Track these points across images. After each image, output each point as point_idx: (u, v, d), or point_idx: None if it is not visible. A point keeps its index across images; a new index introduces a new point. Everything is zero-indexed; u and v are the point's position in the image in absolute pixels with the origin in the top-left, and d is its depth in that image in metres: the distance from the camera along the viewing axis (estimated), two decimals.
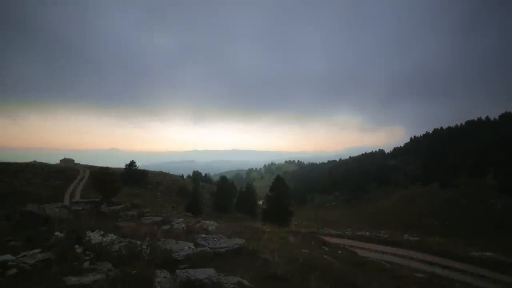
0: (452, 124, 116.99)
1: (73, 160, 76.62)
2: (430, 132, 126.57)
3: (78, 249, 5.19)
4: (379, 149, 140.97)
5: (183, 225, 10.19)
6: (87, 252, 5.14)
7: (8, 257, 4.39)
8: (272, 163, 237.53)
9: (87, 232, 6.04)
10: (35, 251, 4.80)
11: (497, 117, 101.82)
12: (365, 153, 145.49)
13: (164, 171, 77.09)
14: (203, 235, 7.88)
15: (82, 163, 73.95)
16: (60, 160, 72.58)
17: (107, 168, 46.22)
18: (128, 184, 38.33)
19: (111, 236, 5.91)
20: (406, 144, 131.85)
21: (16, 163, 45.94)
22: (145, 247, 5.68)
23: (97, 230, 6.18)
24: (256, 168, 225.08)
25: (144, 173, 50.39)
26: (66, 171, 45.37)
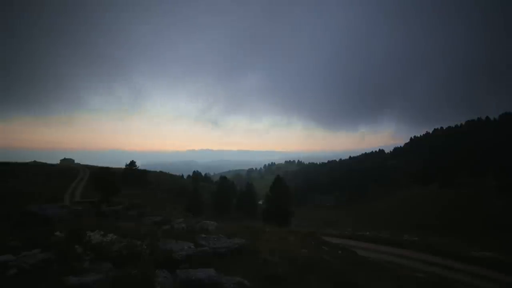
0: (452, 124, 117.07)
1: (73, 160, 76.69)
2: (430, 132, 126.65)
3: (78, 249, 5.19)
4: (379, 149, 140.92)
5: (183, 225, 10.20)
6: (87, 252, 5.14)
7: (8, 257, 4.40)
8: (272, 163, 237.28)
9: (87, 232, 6.04)
10: (35, 251, 4.80)
11: (497, 117, 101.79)
12: (365, 153, 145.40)
13: (164, 171, 77.12)
14: (203, 235, 7.88)
15: (82, 163, 73.97)
16: (60, 160, 72.63)
17: (107, 168, 46.14)
18: (128, 184, 38.34)
19: (111, 236, 5.91)
20: (406, 144, 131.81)
21: (16, 163, 45.95)
22: (145, 247, 5.69)
23: (97, 230, 6.19)
24: (256, 168, 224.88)
25: (144, 173, 50.40)
26: (66, 171, 45.40)
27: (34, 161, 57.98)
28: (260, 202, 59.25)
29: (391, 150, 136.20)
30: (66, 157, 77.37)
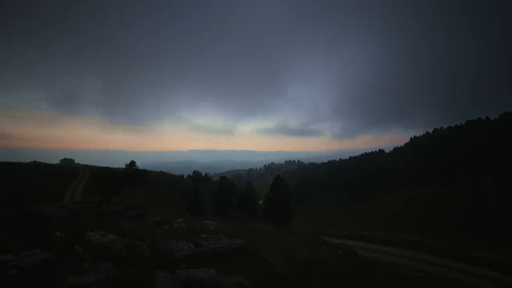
0: (452, 124, 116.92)
1: (73, 160, 76.72)
2: (430, 132, 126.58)
3: (78, 249, 5.20)
4: (379, 149, 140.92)
5: (183, 225, 10.22)
6: (87, 252, 5.15)
7: (8, 257, 4.40)
8: (272, 163, 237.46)
9: (87, 232, 6.05)
10: (35, 251, 4.80)
11: (497, 117, 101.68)
12: (365, 153, 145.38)
13: (164, 171, 77.16)
14: (203, 235, 7.90)
15: (82, 163, 74.02)
16: (60, 160, 72.65)
17: (107, 168, 46.15)
18: (128, 184, 38.31)
19: (111, 236, 5.93)
20: (406, 144, 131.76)
21: (16, 163, 45.95)
22: (145, 247, 5.70)
23: (97, 230, 6.20)
24: (256, 168, 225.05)
25: (144, 173, 50.38)
26: (66, 171, 45.38)
27: (34, 161, 57.99)
28: (260, 202, 59.26)
29: (391, 150, 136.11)
30: (66, 157, 77.41)
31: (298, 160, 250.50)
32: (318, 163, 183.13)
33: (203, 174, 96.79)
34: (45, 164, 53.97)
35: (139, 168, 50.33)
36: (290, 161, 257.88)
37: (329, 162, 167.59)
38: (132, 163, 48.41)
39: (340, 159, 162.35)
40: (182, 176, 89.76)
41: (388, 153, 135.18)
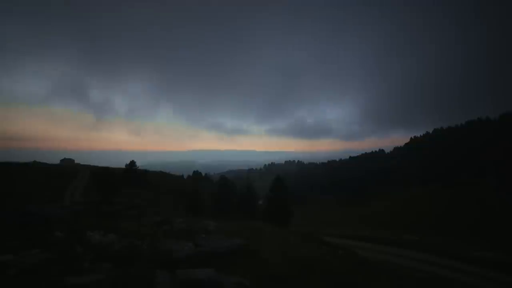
0: (452, 124, 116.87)
1: (73, 160, 76.67)
2: (430, 132, 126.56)
3: (78, 249, 5.20)
4: (379, 149, 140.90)
5: (183, 225, 10.22)
6: (87, 252, 5.14)
7: (8, 257, 4.40)
8: (272, 163, 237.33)
9: (87, 232, 6.05)
10: (35, 251, 4.80)
11: (497, 117, 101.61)
12: (365, 153, 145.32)
13: (164, 171, 77.13)
14: (203, 235, 7.90)
15: (82, 163, 73.98)
16: (60, 160, 72.60)
17: (107, 168, 46.15)
18: (128, 184, 38.31)
19: (111, 236, 5.93)
20: (406, 144, 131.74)
21: (16, 163, 45.97)
22: (145, 247, 5.70)
23: (97, 230, 6.20)
24: (256, 168, 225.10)
25: (144, 173, 50.39)
26: (66, 171, 45.38)
27: (34, 161, 57.98)
28: (260, 202, 59.22)
29: (391, 150, 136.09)
30: (66, 157, 77.37)
31: (298, 160, 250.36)
32: (318, 163, 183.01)
33: (203, 174, 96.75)
34: (45, 164, 53.99)
35: (139, 168, 50.34)
36: (290, 161, 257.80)
37: (329, 162, 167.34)
38: (132, 163, 48.40)
39: (340, 159, 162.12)
40: (182, 176, 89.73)
41: (388, 153, 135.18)
